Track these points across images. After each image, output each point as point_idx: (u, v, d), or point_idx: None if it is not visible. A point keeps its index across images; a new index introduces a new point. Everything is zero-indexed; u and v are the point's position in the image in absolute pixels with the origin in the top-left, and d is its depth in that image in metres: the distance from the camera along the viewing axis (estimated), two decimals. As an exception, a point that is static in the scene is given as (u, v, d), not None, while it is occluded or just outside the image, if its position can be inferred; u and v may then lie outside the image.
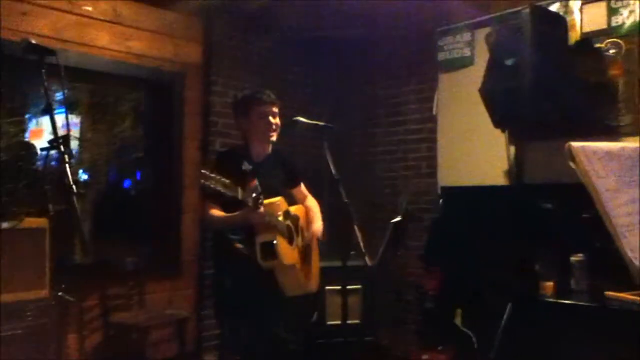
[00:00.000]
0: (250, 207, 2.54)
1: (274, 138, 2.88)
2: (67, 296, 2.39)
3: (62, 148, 2.01)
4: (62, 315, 2.69)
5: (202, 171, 2.34)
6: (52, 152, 2.06)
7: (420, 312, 4.45)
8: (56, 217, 2.42)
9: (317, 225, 2.98)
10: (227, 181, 2.41)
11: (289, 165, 3.06)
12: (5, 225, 3.04)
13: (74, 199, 1.93)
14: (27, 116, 3.94)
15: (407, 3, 4.46)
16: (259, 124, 2.83)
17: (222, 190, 2.38)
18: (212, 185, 2.34)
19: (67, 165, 1.98)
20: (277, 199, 2.78)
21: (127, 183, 4.59)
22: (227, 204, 2.62)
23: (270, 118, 2.85)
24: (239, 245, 2.70)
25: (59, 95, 3.27)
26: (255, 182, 2.57)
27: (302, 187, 3.12)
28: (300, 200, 3.06)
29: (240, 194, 2.48)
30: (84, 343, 3.82)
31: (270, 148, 2.92)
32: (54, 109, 2.16)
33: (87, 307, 3.85)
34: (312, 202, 3.10)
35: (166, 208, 4.43)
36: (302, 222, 2.95)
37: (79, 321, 3.82)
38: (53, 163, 2.14)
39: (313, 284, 2.97)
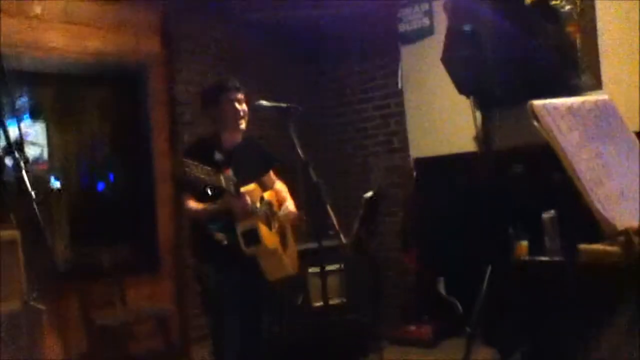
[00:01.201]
0: (232, 194, 2.53)
1: (243, 125, 2.85)
2: (39, 305, 2.34)
3: (16, 155, 1.94)
4: (34, 325, 2.65)
5: (184, 160, 2.32)
6: (7, 160, 1.99)
7: (401, 286, 4.49)
8: (26, 225, 2.36)
9: (290, 206, 2.98)
10: (209, 168, 2.40)
11: (261, 151, 3.05)
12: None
13: (35, 207, 1.88)
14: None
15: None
16: (227, 111, 2.81)
17: (204, 178, 2.36)
18: (195, 174, 2.31)
19: (23, 172, 1.92)
20: (252, 186, 2.76)
21: (99, 183, 4.52)
22: (203, 195, 2.59)
23: (237, 105, 2.82)
24: (219, 235, 2.69)
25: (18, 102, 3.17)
26: (230, 172, 2.56)
27: (271, 172, 3.10)
28: (270, 186, 3.05)
29: (223, 181, 2.47)
30: (67, 345, 3.78)
31: (240, 136, 2.89)
32: (5, 116, 2.08)
33: (68, 308, 3.80)
34: (281, 186, 3.10)
35: (140, 203, 4.38)
36: (275, 207, 2.95)
37: (61, 323, 3.77)
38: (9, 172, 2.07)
39: (293, 266, 2.98)
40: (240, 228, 2.63)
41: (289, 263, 2.89)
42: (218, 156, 2.70)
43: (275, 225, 2.89)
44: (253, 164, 2.93)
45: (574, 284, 2.02)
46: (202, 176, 2.36)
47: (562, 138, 2.30)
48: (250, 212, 2.63)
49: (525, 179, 2.72)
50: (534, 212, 2.35)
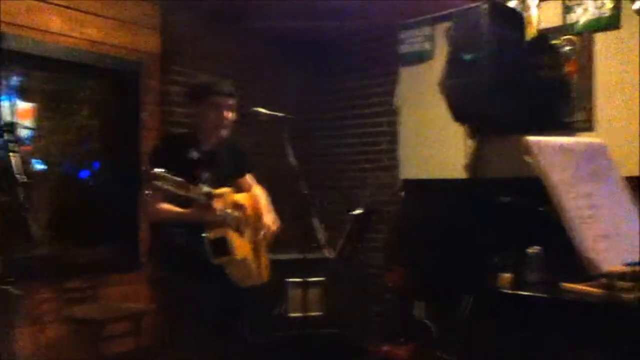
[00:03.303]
0: (203, 205, 2.47)
1: (223, 133, 2.74)
2: (14, 290, 2.29)
3: (6, 136, 1.92)
4: (8, 309, 2.59)
5: (152, 171, 2.23)
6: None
7: (382, 305, 4.48)
8: (4, 208, 2.31)
9: (268, 217, 2.86)
10: (179, 179, 2.32)
11: (238, 154, 2.94)
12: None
13: (20, 188, 1.85)
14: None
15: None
16: (210, 114, 2.70)
17: (173, 190, 2.29)
18: (164, 186, 2.24)
19: (11, 155, 1.89)
20: (225, 190, 2.67)
21: (83, 174, 4.46)
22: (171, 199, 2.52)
23: (223, 111, 2.71)
24: (182, 242, 2.61)
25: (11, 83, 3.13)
26: (203, 173, 2.50)
27: (248, 177, 2.99)
28: (246, 190, 2.93)
29: (192, 191, 2.40)
30: (38, 337, 3.71)
31: (219, 139, 2.78)
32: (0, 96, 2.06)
33: (41, 300, 3.73)
34: (259, 191, 2.97)
35: (124, 199, 4.32)
36: (249, 211, 2.84)
37: (34, 315, 3.70)
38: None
39: (263, 274, 2.87)
40: (209, 237, 2.54)
41: (258, 271, 2.80)
42: (193, 155, 2.62)
43: (247, 230, 2.78)
44: (229, 167, 2.83)
45: (553, 321, 2.03)
46: (172, 188, 2.29)
47: (553, 175, 2.34)
48: (220, 222, 2.55)
49: (512, 211, 2.74)
50: (519, 245, 2.36)
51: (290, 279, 3.66)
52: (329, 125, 5.16)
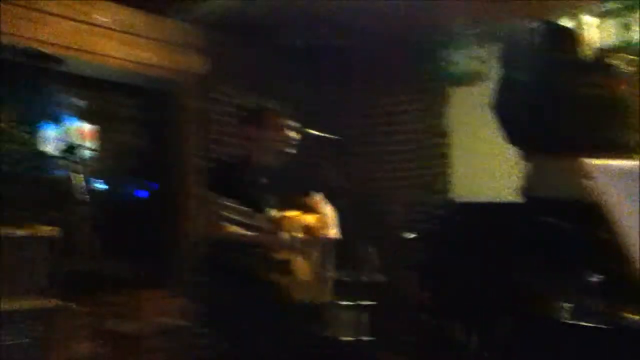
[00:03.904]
0: (268, 231, 2.53)
1: (285, 152, 2.83)
2: (63, 303, 2.36)
3: (69, 157, 1.98)
4: (65, 323, 2.67)
5: (218, 201, 2.29)
6: (60, 160, 2.04)
7: (423, 328, 4.39)
8: (64, 225, 2.40)
9: (331, 233, 2.93)
10: (246, 209, 2.37)
11: (298, 172, 3.04)
12: (15, 232, 3.03)
13: (80, 207, 1.91)
14: (38, 125, 3.94)
15: (408, 11, 4.46)
16: (274, 135, 2.78)
17: (239, 220, 2.34)
18: (230, 216, 2.29)
19: (74, 174, 1.95)
20: (295, 213, 2.76)
21: (128, 192, 4.58)
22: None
23: (286, 131, 2.80)
24: (242, 260, 2.66)
25: (68, 104, 3.26)
26: (265, 198, 2.56)
27: (316, 194, 3.05)
28: (315, 208, 3.00)
29: (257, 219, 2.44)
30: (76, 350, 3.78)
31: (280, 160, 2.85)
32: (63, 118, 2.14)
33: (82, 313, 3.82)
34: (326, 209, 3.02)
35: (165, 217, 4.41)
36: (316, 232, 2.91)
37: (74, 329, 3.78)
38: (61, 172, 2.11)
39: (326, 294, 2.93)
40: (273, 259, 2.61)
41: (320, 291, 2.85)
42: (255, 178, 2.68)
43: (314, 252, 2.84)
44: (291, 186, 2.89)
45: (614, 352, 1.95)
46: (238, 217, 2.34)
47: (612, 200, 2.25)
48: (284, 246, 2.61)
49: (569, 236, 2.65)
50: (575, 271, 2.28)
51: (342, 302, 3.65)
52: (374, 146, 5.14)
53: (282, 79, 4.95)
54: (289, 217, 2.67)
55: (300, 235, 2.74)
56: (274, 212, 2.54)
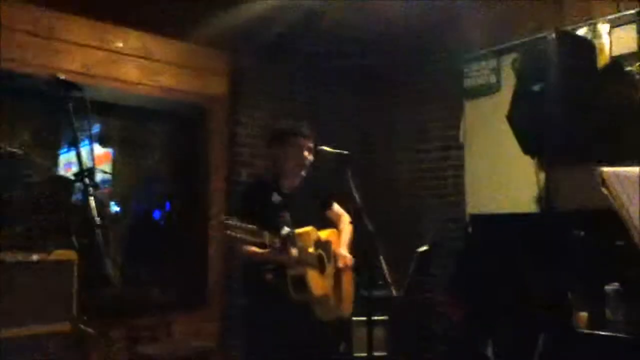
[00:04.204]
0: (279, 249, 2.54)
1: (304, 173, 2.88)
2: (89, 329, 2.39)
3: (87, 181, 2.03)
4: (83, 348, 2.69)
5: (226, 221, 2.33)
6: (78, 184, 2.08)
7: (446, 342, 4.34)
8: (84, 249, 2.43)
9: (341, 250, 2.93)
10: (252, 227, 2.40)
11: (317, 189, 3.04)
12: (34, 257, 3.09)
13: (98, 231, 1.94)
14: (59, 151, 4.04)
15: (430, 30, 4.48)
16: (293, 156, 2.83)
17: (248, 239, 2.38)
18: (237, 235, 2.33)
19: (91, 198, 1.99)
20: (308, 229, 2.77)
21: (155, 214, 4.64)
22: None
23: (306, 152, 2.85)
24: (269, 277, 2.69)
25: (89, 130, 3.33)
26: (286, 215, 2.59)
27: (336, 207, 3.08)
28: (336, 221, 3.03)
29: (267, 238, 2.48)
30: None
31: (299, 180, 2.91)
32: (80, 143, 2.18)
33: (113, 338, 3.85)
34: (344, 223, 3.04)
35: (193, 239, 4.45)
36: (334, 246, 2.93)
37: (105, 353, 3.82)
38: (79, 196, 2.16)
39: (346, 309, 2.94)
40: (289, 274, 2.63)
41: (339, 307, 2.86)
42: (276, 198, 2.74)
43: (330, 267, 2.85)
44: (310, 205, 2.94)
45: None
46: (245, 237, 2.38)
47: (631, 208, 2.21)
48: (297, 262, 2.63)
49: (587, 245, 2.61)
50: (595, 281, 2.24)
51: (355, 317, 3.63)
52: (392, 159, 5.14)
53: (306, 97, 4.99)
54: (300, 233, 2.69)
55: (311, 250, 2.75)
56: (286, 230, 2.56)
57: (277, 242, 2.53)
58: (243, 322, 3.01)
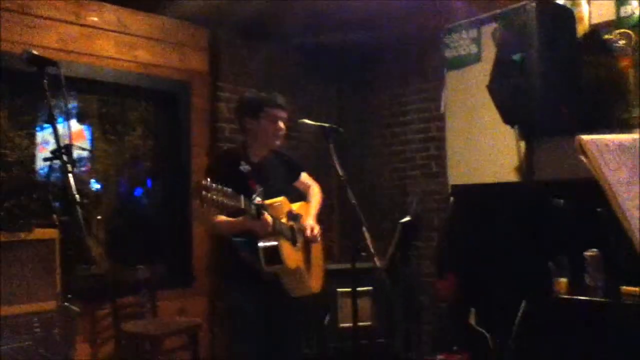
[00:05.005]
0: (254, 215, 2.50)
1: (277, 144, 2.84)
2: (73, 307, 2.38)
3: (64, 158, 2.00)
4: (68, 326, 2.69)
5: (203, 182, 2.27)
6: (56, 162, 2.05)
7: (434, 313, 4.41)
8: (65, 227, 2.41)
9: (309, 220, 2.88)
10: (229, 190, 2.35)
11: (286, 159, 3.00)
12: (14, 236, 3.05)
13: (78, 208, 1.92)
14: (36, 129, 3.97)
15: (408, 3, 4.44)
16: (267, 127, 2.78)
17: (223, 201, 2.32)
18: (214, 197, 2.27)
19: (69, 175, 1.97)
20: (279, 199, 2.73)
21: (138, 192, 4.60)
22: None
23: (280, 123, 2.81)
24: (243, 253, 2.67)
25: (65, 107, 3.27)
26: (256, 185, 2.55)
27: (304, 176, 3.06)
28: (305, 191, 3.00)
29: (242, 202, 2.43)
30: (96, 352, 3.82)
31: (270, 151, 2.87)
32: (57, 120, 2.15)
33: (99, 316, 3.85)
34: (313, 192, 3.02)
35: (177, 217, 4.43)
36: (303, 219, 2.89)
37: (91, 331, 3.82)
38: (57, 174, 2.12)
39: (317, 285, 2.91)
40: (261, 245, 2.58)
41: (311, 281, 2.83)
42: (244, 167, 2.68)
43: (301, 240, 2.82)
44: (280, 175, 2.90)
45: (614, 326, 1.95)
46: (222, 199, 2.32)
47: (610, 175, 2.23)
48: (271, 232, 2.58)
49: (567, 213, 2.64)
50: (575, 248, 2.28)
51: (340, 289, 3.67)
52: (373, 135, 5.14)
53: (288, 73, 4.95)
54: (272, 204, 2.64)
55: (284, 220, 2.70)
56: (258, 199, 2.52)
57: (252, 207, 2.48)
58: (224, 304, 2.96)
